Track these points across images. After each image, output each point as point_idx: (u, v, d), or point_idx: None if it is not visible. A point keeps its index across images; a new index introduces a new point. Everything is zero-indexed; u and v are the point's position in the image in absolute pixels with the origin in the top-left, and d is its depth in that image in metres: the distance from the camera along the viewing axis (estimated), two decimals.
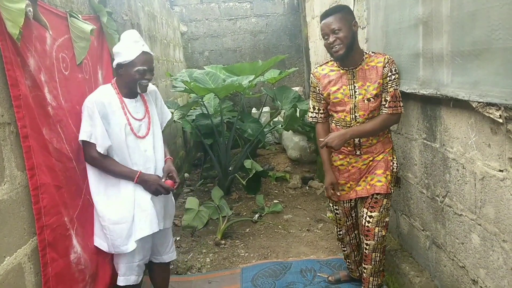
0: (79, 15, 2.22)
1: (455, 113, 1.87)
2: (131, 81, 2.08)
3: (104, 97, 2.06)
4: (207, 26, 7.10)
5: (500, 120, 1.49)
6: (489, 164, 1.64)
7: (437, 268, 2.23)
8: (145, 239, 2.16)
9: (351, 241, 2.62)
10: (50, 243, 1.69)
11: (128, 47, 2.05)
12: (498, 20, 1.44)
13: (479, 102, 1.59)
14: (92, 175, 2.08)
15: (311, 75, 2.39)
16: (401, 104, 2.22)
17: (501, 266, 1.63)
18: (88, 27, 2.20)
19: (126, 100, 2.13)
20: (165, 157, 2.31)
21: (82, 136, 2.00)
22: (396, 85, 2.19)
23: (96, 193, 2.08)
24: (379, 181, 2.28)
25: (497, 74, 1.47)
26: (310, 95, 2.43)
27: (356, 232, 2.61)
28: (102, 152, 2.02)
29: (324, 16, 2.19)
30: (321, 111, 2.40)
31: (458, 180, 1.91)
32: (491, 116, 1.53)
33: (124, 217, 2.08)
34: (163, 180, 2.17)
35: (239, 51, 7.18)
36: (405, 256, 2.62)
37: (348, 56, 2.18)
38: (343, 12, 2.16)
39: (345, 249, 2.66)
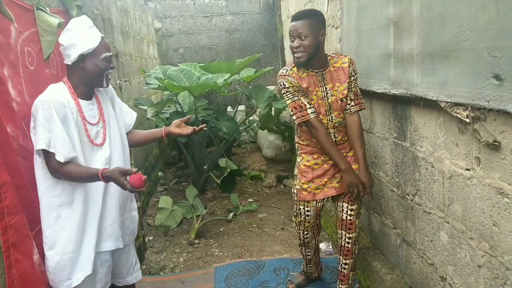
0: (47, 8, 2.15)
1: (425, 113, 1.90)
2: (98, 73, 1.81)
3: (61, 97, 1.74)
4: (182, 23, 7.03)
5: (467, 120, 1.53)
6: (457, 163, 1.67)
7: (407, 266, 2.26)
8: (103, 259, 1.90)
9: (315, 244, 2.64)
10: (14, 243, 1.62)
11: (86, 35, 1.77)
12: (466, 21, 1.46)
13: (447, 102, 1.62)
14: (45, 190, 1.76)
15: (287, 77, 2.24)
16: (362, 101, 2.34)
17: (468, 263, 1.66)
18: (55, 20, 2.13)
19: (81, 102, 1.82)
20: (161, 132, 2.12)
21: (40, 145, 1.66)
22: (356, 84, 2.31)
23: (47, 212, 1.75)
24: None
25: (464, 74, 1.50)
26: (295, 95, 2.24)
27: (317, 233, 2.62)
28: (62, 162, 1.69)
29: (294, 18, 2.19)
30: (313, 105, 2.26)
31: (427, 179, 1.94)
32: (459, 116, 1.56)
33: (71, 244, 1.77)
34: (133, 171, 1.78)
35: (215, 48, 7.14)
36: (377, 254, 2.65)
37: (310, 63, 2.21)
38: (314, 19, 2.17)
39: (309, 253, 2.66)
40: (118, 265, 2.06)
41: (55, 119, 1.69)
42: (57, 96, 1.73)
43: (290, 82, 2.24)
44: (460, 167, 1.65)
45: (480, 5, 1.38)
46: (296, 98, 2.25)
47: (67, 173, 1.73)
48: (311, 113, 2.23)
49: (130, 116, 2.16)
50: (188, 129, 2.09)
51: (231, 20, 7.10)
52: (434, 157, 1.85)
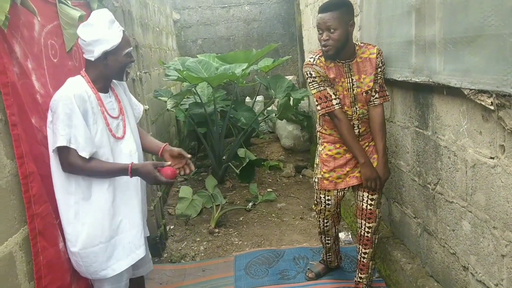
0: (69, 1, 2.18)
1: (447, 100, 1.87)
2: (119, 69, 1.82)
3: (82, 91, 1.72)
4: (200, 14, 7.03)
5: (492, 107, 1.49)
6: (480, 152, 1.64)
7: (428, 255, 2.24)
8: None
9: (335, 233, 2.64)
10: (40, 231, 1.68)
11: (109, 30, 1.75)
12: (491, 6, 1.43)
13: (470, 89, 1.59)
14: (60, 187, 1.75)
15: (314, 66, 2.21)
16: (387, 93, 2.30)
17: (491, 252, 1.64)
18: (76, 13, 2.16)
19: (101, 95, 1.82)
20: (159, 147, 2.05)
21: (61, 141, 1.64)
22: (383, 75, 2.26)
23: (65, 210, 1.75)
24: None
25: (489, 61, 1.47)
26: (321, 85, 2.21)
27: (337, 222, 2.62)
28: (84, 156, 1.69)
29: (322, 9, 2.12)
30: (338, 96, 2.24)
31: (449, 168, 1.92)
32: (483, 103, 1.53)
33: (97, 236, 1.78)
34: (166, 164, 1.82)
35: (233, 39, 7.13)
36: (397, 243, 2.64)
37: (339, 54, 2.16)
38: (343, 10, 2.10)
39: (329, 241, 2.66)
40: None
41: (77, 114, 1.67)
42: (77, 90, 1.71)
43: (317, 72, 2.21)
44: (484, 156, 1.62)
45: None
46: (322, 88, 2.22)
47: (90, 169, 1.72)
48: (336, 104, 2.21)
49: (138, 108, 2.14)
50: (175, 166, 1.97)
51: (249, 10, 7.06)
52: (457, 145, 1.82)
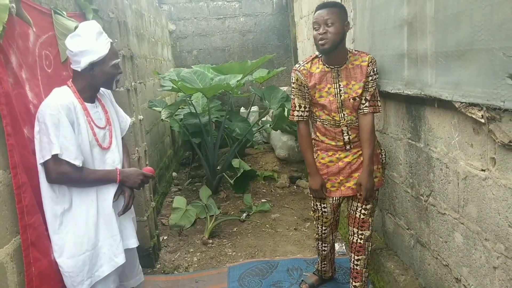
0: (64, 12, 2.19)
1: (439, 113, 1.89)
2: (108, 79, 1.84)
3: (67, 101, 1.73)
4: (195, 25, 7.07)
5: (482, 120, 1.51)
6: (472, 164, 1.66)
7: (422, 267, 2.25)
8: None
9: (332, 240, 2.64)
10: (33, 242, 1.67)
11: (96, 41, 1.77)
12: (481, 21, 1.46)
13: (461, 102, 1.61)
14: (48, 198, 1.75)
15: (297, 72, 2.29)
16: (379, 104, 2.29)
17: (483, 264, 1.65)
18: (72, 24, 2.18)
19: (87, 105, 1.83)
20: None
21: (55, 149, 1.65)
22: (376, 85, 2.25)
23: (52, 220, 1.76)
24: (375, 176, 2.32)
25: (479, 74, 1.49)
26: (294, 93, 2.34)
27: (335, 229, 2.62)
28: (78, 165, 1.71)
29: (320, 7, 2.16)
30: (307, 109, 2.35)
31: (441, 180, 1.93)
32: (474, 116, 1.55)
33: (84, 243, 1.79)
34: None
35: (228, 50, 7.17)
36: (390, 255, 2.64)
37: (333, 53, 2.18)
38: (341, 8, 2.17)
39: (325, 249, 2.65)
40: (124, 268, 2.04)
41: (65, 124, 1.69)
42: (63, 100, 1.73)
43: (298, 78, 2.30)
44: (475, 168, 1.64)
45: (495, 4, 1.37)
46: (294, 96, 2.35)
47: (81, 177, 1.75)
48: (297, 116, 2.36)
49: (125, 121, 2.14)
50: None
51: (244, 21, 7.12)
52: (449, 157, 1.84)
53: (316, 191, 2.39)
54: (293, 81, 2.32)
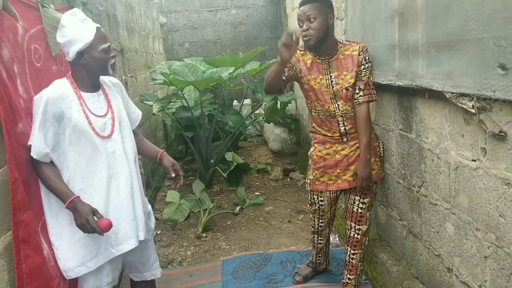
0: (51, 6, 2.16)
1: (430, 104, 1.89)
2: (100, 66, 1.81)
3: (58, 93, 1.73)
4: (187, 18, 7.02)
5: (473, 111, 1.52)
6: (463, 154, 1.67)
7: (414, 257, 2.26)
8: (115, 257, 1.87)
9: (328, 233, 2.65)
10: (24, 239, 1.65)
11: (80, 29, 1.73)
12: (471, 11, 1.45)
13: (452, 93, 1.61)
14: (44, 188, 1.77)
15: None
16: (374, 92, 2.27)
17: (474, 254, 1.66)
18: (62, 17, 2.14)
19: (85, 94, 1.81)
20: (157, 152, 2.13)
21: (30, 140, 1.70)
22: (369, 73, 2.23)
23: (48, 208, 1.78)
24: (373, 169, 2.31)
25: (470, 65, 1.49)
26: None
27: (331, 222, 2.63)
28: (35, 157, 1.68)
29: (303, 2, 2.17)
30: (285, 74, 2.22)
31: (433, 170, 1.94)
32: (464, 106, 1.56)
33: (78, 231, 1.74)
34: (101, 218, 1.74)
35: (220, 42, 7.13)
36: (383, 246, 2.65)
37: (320, 47, 2.18)
38: (322, 2, 2.16)
39: (321, 242, 2.65)
40: (135, 261, 2.04)
41: (40, 116, 1.67)
42: (53, 92, 1.72)
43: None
44: (466, 158, 1.65)
45: None
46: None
47: (41, 177, 1.73)
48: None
49: (136, 114, 2.14)
50: (173, 174, 2.08)
51: (236, 13, 7.08)
52: (440, 148, 1.84)
53: (284, 45, 1.97)
54: None
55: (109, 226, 1.74)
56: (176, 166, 2.09)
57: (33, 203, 1.75)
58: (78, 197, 1.72)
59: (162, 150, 2.15)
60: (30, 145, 1.69)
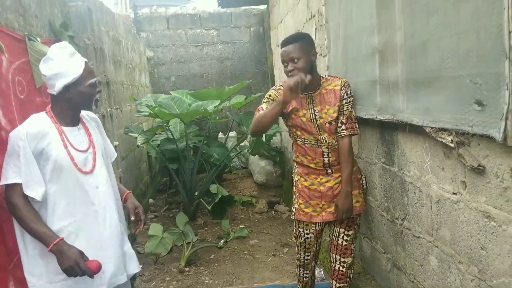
0: (38, 39, 2.18)
1: (411, 138, 1.94)
2: (85, 101, 1.78)
3: (37, 128, 1.67)
4: (174, 52, 7.12)
5: (452, 145, 1.56)
6: (444, 187, 1.70)
7: None
8: None
9: (314, 266, 2.62)
10: None
11: (69, 63, 1.72)
12: (448, 49, 1.52)
13: (432, 128, 1.66)
14: (17, 225, 1.68)
15: (273, 91, 2.31)
16: (357, 126, 2.29)
17: (458, 287, 1.66)
18: (47, 50, 2.16)
19: (66, 129, 1.76)
20: (124, 193, 2.05)
21: (12, 178, 1.60)
22: (351, 107, 2.26)
23: (22, 246, 1.68)
24: (357, 201, 2.32)
25: (448, 101, 1.54)
26: (265, 101, 2.30)
27: (317, 256, 2.60)
28: (32, 196, 1.62)
29: (284, 43, 2.22)
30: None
31: (415, 203, 1.96)
32: (443, 141, 1.60)
33: (57, 271, 1.65)
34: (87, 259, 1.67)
35: (206, 76, 7.22)
36: (368, 279, 2.64)
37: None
38: (303, 41, 2.20)
39: (307, 275, 2.61)
40: None
41: (26, 154, 1.62)
42: (33, 127, 1.67)
43: (273, 96, 2.30)
44: (447, 191, 1.68)
45: (461, 33, 1.44)
46: (264, 102, 2.30)
47: (22, 218, 1.62)
48: (263, 108, 2.27)
49: (111, 152, 2.08)
50: (132, 217, 1.99)
51: (222, 49, 7.21)
52: (422, 181, 1.87)
53: (291, 89, 2.01)
54: (267, 97, 2.31)
55: (99, 267, 1.68)
56: (138, 210, 2.00)
57: (6, 237, 1.68)
58: (63, 239, 1.64)
59: (128, 192, 2.08)
60: (11, 184, 1.61)
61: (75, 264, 1.60)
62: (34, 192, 1.63)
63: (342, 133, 2.26)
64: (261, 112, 2.24)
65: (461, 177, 1.57)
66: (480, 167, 1.44)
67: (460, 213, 1.59)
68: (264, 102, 2.33)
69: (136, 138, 4.48)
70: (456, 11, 1.45)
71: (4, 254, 1.67)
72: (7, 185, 1.63)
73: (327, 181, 2.32)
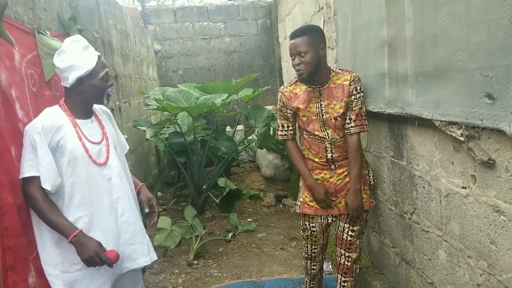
0: (47, 32, 2.19)
1: (420, 131, 1.92)
2: (98, 93, 1.81)
3: (52, 121, 1.70)
4: (181, 45, 7.12)
5: (462, 139, 1.54)
6: (453, 181, 1.68)
7: (407, 285, 2.25)
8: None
9: (322, 259, 2.62)
10: (11, 266, 1.62)
11: (82, 56, 1.74)
12: (458, 42, 1.50)
13: (441, 121, 1.64)
14: (35, 216, 1.72)
15: (280, 93, 2.35)
16: (366, 123, 2.26)
17: (467, 282, 1.66)
18: (57, 44, 2.17)
19: (80, 121, 1.79)
20: (137, 185, 2.08)
21: (28, 171, 1.63)
22: (361, 104, 2.21)
23: (40, 238, 1.72)
24: (362, 198, 2.30)
25: (458, 94, 1.52)
26: (278, 113, 2.41)
27: (325, 249, 2.61)
28: (49, 189, 1.65)
29: (293, 36, 2.19)
30: (290, 128, 2.39)
31: (424, 197, 1.95)
32: (453, 134, 1.58)
33: (72, 260, 1.71)
34: (103, 249, 1.72)
35: (213, 69, 7.21)
36: (376, 273, 2.64)
37: (313, 78, 2.20)
38: (312, 34, 2.17)
39: (314, 268, 2.62)
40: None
41: (43, 147, 1.64)
42: (47, 121, 1.69)
43: (281, 101, 2.37)
44: (456, 185, 1.66)
45: (471, 26, 1.42)
46: (279, 116, 2.43)
47: (41, 211, 1.66)
48: (281, 135, 2.43)
49: (123, 145, 2.10)
50: (147, 209, 2.02)
51: (230, 41, 7.19)
52: (431, 175, 1.86)
53: (322, 200, 2.29)
54: (278, 102, 2.40)
55: (118, 257, 1.75)
56: (152, 202, 2.04)
57: (27, 228, 1.72)
58: (81, 230, 1.69)
59: (142, 184, 2.10)
60: (29, 177, 1.64)
61: (95, 254, 1.66)
62: (50, 184, 1.65)
63: (351, 130, 2.23)
64: (293, 153, 2.42)
65: (470, 171, 1.56)
66: (490, 161, 1.42)
67: (470, 208, 1.58)
68: (278, 115, 2.44)
69: (144, 131, 4.50)
70: (467, 3, 1.43)
71: (25, 245, 1.70)
72: (25, 178, 1.65)
73: (330, 177, 2.32)
